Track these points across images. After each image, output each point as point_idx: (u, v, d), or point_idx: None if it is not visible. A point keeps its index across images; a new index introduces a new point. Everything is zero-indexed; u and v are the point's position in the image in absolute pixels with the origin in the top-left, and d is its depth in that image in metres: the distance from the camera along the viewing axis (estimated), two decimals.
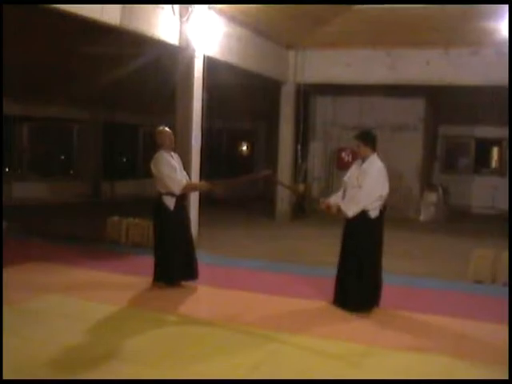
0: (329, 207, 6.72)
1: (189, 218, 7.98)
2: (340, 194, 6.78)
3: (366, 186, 6.40)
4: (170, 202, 7.24)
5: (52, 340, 5.39)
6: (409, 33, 11.66)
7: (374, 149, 6.62)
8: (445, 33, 11.38)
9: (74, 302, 6.69)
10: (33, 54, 11.80)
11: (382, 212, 6.55)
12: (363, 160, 6.60)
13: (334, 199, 6.78)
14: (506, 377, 4.85)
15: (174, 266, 7.32)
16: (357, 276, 6.52)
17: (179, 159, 7.52)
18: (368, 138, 6.65)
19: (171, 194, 7.21)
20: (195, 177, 9.67)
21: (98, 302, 6.70)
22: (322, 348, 5.48)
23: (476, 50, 12.45)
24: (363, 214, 6.44)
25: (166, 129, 7.42)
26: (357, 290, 6.53)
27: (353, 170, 6.70)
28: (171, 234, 7.31)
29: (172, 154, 7.39)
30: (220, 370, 4.82)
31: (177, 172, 7.26)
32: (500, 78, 11.98)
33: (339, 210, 6.56)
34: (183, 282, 7.43)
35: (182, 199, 7.41)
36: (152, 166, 7.29)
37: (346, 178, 6.74)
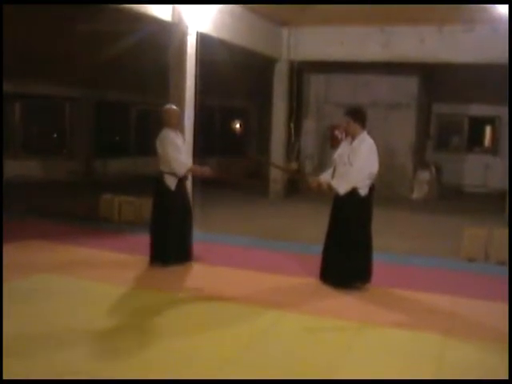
0: (319, 185, 6.72)
1: (189, 199, 7.77)
2: (330, 171, 6.78)
3: (357, 164, 6.39)
4: (172, 182, 7.16)
5: (44, 318, 5.40)
6: (403, 10, 11.57)
7: (363, 126, 6.57)
8: (439, 10, 11.29)
9: (66, 280, 6.66)
10: (25, 32, 11.67)
11: (371, 190, 6.55)
12: (353, 138, 6.57)
13: (325, 177, 6.78)
14: (495, 355, 4.89)
15: (170, 248, 7.27)
16: (345, 253, 6.55)
17: (183, 139, 7.42)
18: (357, 115, 6.60)
19: (173, 174, 7.13)
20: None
21: (90, 280, 6.68)
22: (314, 325, 5.50)
23: (471, 27, 12.38)
24: (353, 192, 6.44)
25: (174, 107, 7.32)
26: (344, 266, 6.56)
27: (343, 148, 6.67)
28: (170, 214, 7.23)
29: (178, 133, 7.31)
30: (211, 348, 4.83)
31: (181, 153, 7.17)
32: (494, 55, 11.96)
33: (330, 187, 6.56)
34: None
35: (183, 180, 7.33)
36: (157, 145, 7.20)
37: (335, 156, 6.72)
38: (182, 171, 7.15)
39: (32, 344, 4.75)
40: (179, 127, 7.35)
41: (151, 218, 7.50)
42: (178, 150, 7.12)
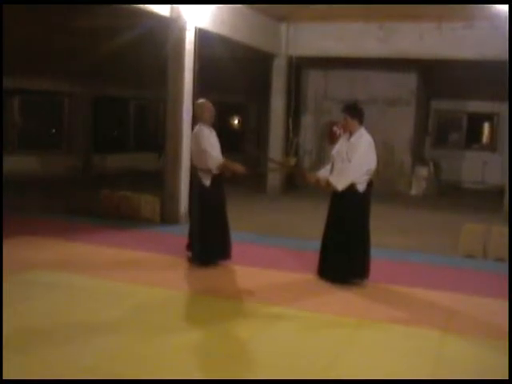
0: (317, 181, 6.72)
1: (225, 195, 7.42)
2: (328, 167, 6.78)
3: (355, 160, 6.39)
4: (206, 179, 7.04)
5: (43, 314, 5.40)
6: (402, 6, 11.55)
7: (361, 122, 6.57)
8: (438, 6, 11.28)
9: (65, 276, 6.64)
10: (24, 27, 11.64)
11: (369, 186, 6.55)
12: (351, 134, 6.57)
13: (323, 173, 6.78)
14: (494, 351, 4.90)
15: (210, 246, 7.11)
16: (343, 249, 6.54)
17: (215, 136, 7.25)
18: (354, 111, 6.60)
19: (208, 171, 7.00)
20: (186, 150, 9.60)
21: (89, 276, 6.66)
22: (312, 321, 5.51)
23: (470, 24, 12.37)
24: (351, 188, 6.44)
25: (207, 102, 7.19)
26: (342, 262, 6.56)
27: (341, 144, 6.67)
28: (205, 211, 7.08)
29: (211, 129, 7.16)
30: (210, 346, 4.84)
31: (215, 149, 7.04)
32: (493, 52, 11.96)
33: (328, 183, 6.56)
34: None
35: (219, 176, 7.14)
36: (191, 141, 7.16)
37: (334, 152, 6.72)
38: (214, 166, 6.97)
39: (31, 340, 4.74)
40: (212, 122, 7.19)
41: (189, 215, 7.35)
42: (212, 145, 7.00)
